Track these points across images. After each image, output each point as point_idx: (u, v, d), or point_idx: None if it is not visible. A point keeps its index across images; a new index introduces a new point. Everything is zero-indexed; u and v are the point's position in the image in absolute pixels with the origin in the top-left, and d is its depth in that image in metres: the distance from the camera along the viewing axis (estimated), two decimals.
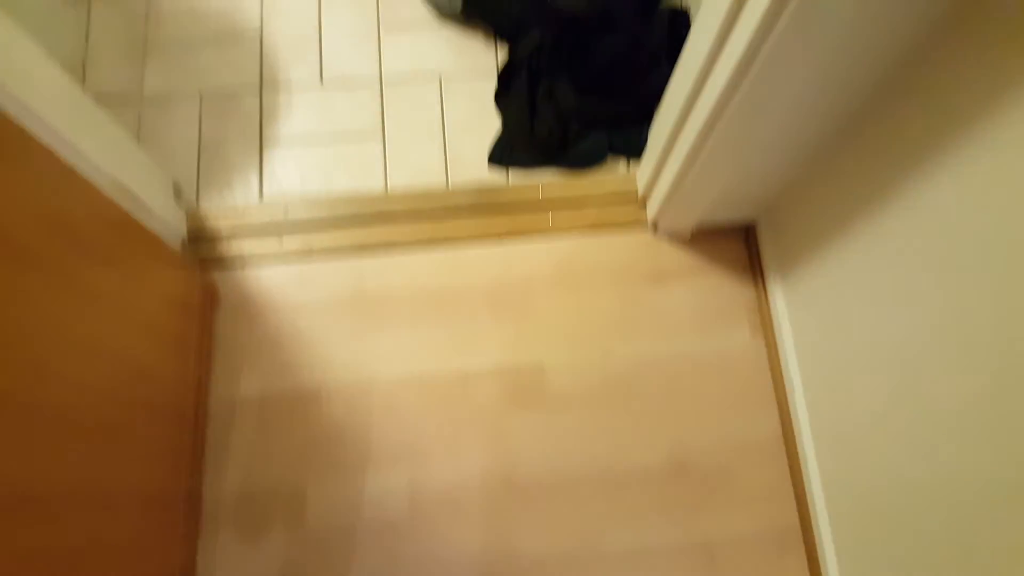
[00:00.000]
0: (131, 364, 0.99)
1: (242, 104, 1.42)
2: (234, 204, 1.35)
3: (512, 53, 1.41)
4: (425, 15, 1.48)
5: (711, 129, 0.98)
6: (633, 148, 1.39)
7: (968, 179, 0.74)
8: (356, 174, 1.39)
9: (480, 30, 1.47)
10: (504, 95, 1.42)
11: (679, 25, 1.32)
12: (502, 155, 1.41)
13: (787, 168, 1.13)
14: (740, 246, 1.37)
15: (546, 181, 1.40)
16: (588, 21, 1.29)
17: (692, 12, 1.31)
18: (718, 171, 1.10)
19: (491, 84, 1.44)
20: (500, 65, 1.45)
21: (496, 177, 1.40)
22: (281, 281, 1.31)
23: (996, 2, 0.68)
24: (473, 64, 1.46)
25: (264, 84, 1.43)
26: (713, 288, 1.36)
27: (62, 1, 1.45)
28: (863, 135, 0.93)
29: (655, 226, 1.37)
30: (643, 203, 1.38)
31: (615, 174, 1.41)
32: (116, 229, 0.99)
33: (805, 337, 1.21)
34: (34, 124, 0.89)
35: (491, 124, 1.42)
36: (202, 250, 1.31)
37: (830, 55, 0.81)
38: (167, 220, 1.23)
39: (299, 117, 1.42)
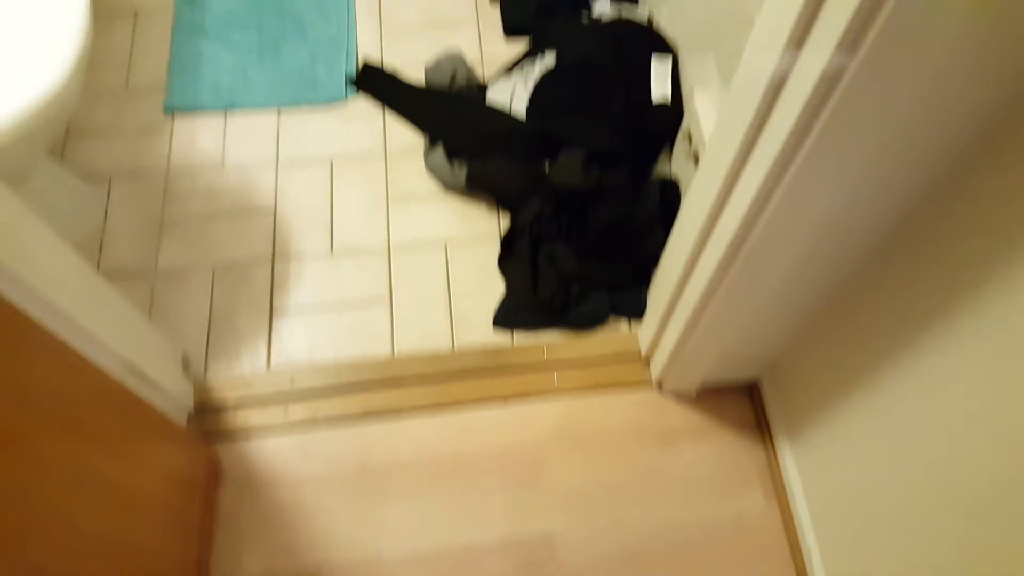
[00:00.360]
0: (131, 549, 0.96)
1: (254, 275, 1.48)
2: (241, 374, 1.36)
3: (514, 220, 1.48)
4: (431, 187, 1.57)
5: (709, 298, 1.02)
6: (634, 309, 1.43)
7: (974, 343, 0.76)
8: (363, 340, 1.42)
9: (483, 200, 1.56)
10: (507, 260, 1.48)
11: (669, 194, 1.40)
12: (507, 317, 1.44)
13: (786, 328, 1.16)
14: (746, 404, 1.38)
15: (550, 342, 1.42)
16: (584, 193, 1.37)
17: (681, 183, 1.39)
18: (719, 334, 1.12)
19: (494, 250, 1.50)
20: (503, 231, 1.52)
21: (501, 339, 1.43)
22: (286, 453, 1.30)
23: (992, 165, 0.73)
24: (477, 231, 1.53)
25: (276, 256, 1.50)
26: (722, 449, 1.35)
27: (83, 179, 1.54)
28: (861, 297, 0.96)
29: (660, 385, 1.38)
30: (647, 362, 1.40)
31: (618, 334, 1.44)
32: (125, 415, 1.00)
33: (818, 498, 1.18)
34: (44, 311, 0.92)
35: (495, 288, 1.47)
36: (207, 423, 1.31)
37: (821, 234, 0.85)
38: (175, 395, 1.24)
39: (309, 286, 1.47)
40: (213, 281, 1.47)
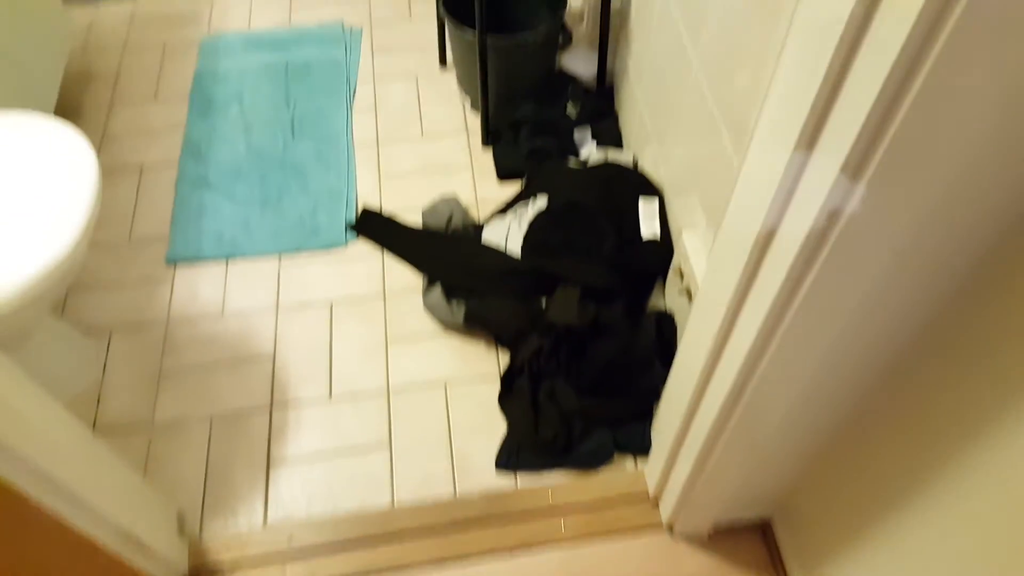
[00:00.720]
0: None
1: (251, 425, 1.47)
2: (237, 532, 1.33)
3: (513, 358, 1.50)
4: (430, 327, 1.60)
5: (716, 438, 1.01)
6: (638, 445, 1.42)
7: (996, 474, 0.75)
8: (363, 490, 1.39)
9: (482, 338, 1.57)
10: (507, 397, 1.48)
11: (665, 328, 1.42)
12: (509, 459, 1.43)
13: (796, 465, 1.14)
14: (759, 546, 1.34)
15: (556, 484, 1.40)
16: (581, 330, 1.39)
17: (676, 316, 1.42)
18: (729, 473, 1.11)
19: (494, 388, 1.51)
20: (502, 369, 1.53)
21: (504, 482, 1.41)
22: None
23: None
24: (476, 370, 1.54)
25: (274, 404, 1.49)
26: None
27: (83, 333, 1.56)
28: (870, 428, 0.95)
29: (671, 527, 1.34)
30: (655, 502, 1.37)
31: (624, 472, 1.41)
32: None
33: None
34: (37, 483, 0.90)
35: (497, 427, 1.46)
36: None
37: (823, 374, 0.86)
38: (170, 559, 1.20)
39: (307, 434, 1.46)
40: (210, 433, 1.46)
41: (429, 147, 1.93)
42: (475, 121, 1.96)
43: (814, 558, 1.19)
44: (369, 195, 1.83)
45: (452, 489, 1.40)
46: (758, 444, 1.02)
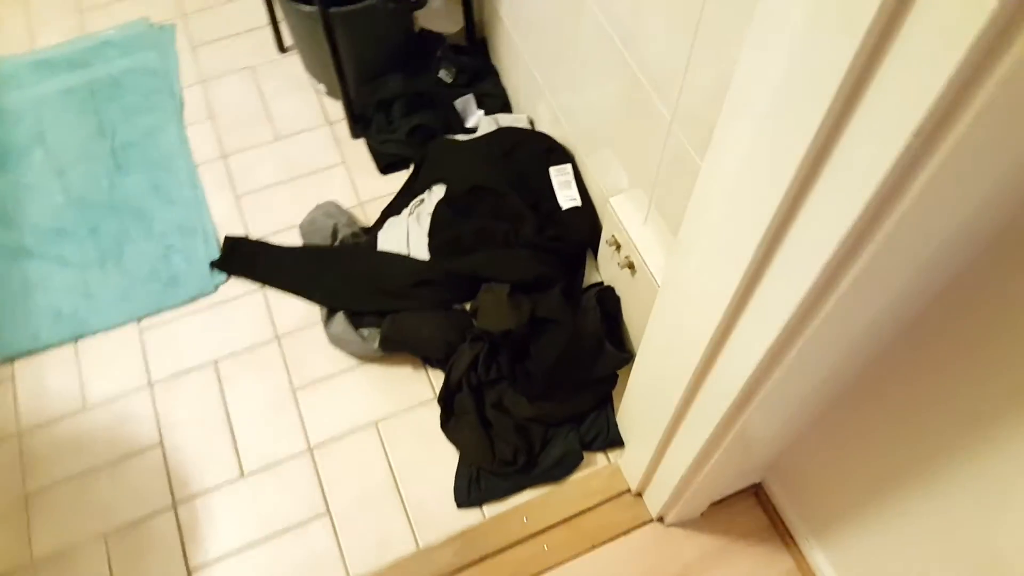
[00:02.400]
0: None
1: (156, 532, 1.29)
2: None
3: (447, 375, 1.38)
4: (341, 362, 1.45)
5: (720, 439, 0.94)
6: (606, 439, 1.35)
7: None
8: (310, 572, 1.25)
9: (405, 361, 1.45)
10: (451, 420, 1.37)
11: (609, 303, 1.34)
12: (470, 492, 1.32)
13: (798, 429, 1.09)
14: (756, 511, 1.31)
15: (527, 503, 1.31)
16: (519, 332, 1.28)
17: (617, 287, 1.33)
18: (732, 464, 1.05)
19: (433, 412, 1.39)
20: (437, 390, 1.41)
21: (470, 517, 1.31)
22: None
23: None
24: (407, 398, 1.42)
25: (176, 500, 1.32)
26: (747, 567, 1.26)
27: None
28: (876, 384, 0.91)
29: (661, 519, 1.28)
30: (638, 494, 1.30)
31: (597, 471, 1.35)
32: None
33: None
34: None
35: (446, 457, 1.36)
36: None
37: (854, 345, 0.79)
38: None
39: (226, 525, 1.30)
40: (108, 554, 1.28)
41: (287, 149, 1.74)
42: (336, 109, 1.78)
43: (821, 512, 1.16)
44: (229, 222, 1.63)
45: (414, 543, 1.29)
46: (766, 432, 0.95)
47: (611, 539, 1.29)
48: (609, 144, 1.25)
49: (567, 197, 1.38)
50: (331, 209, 1.57)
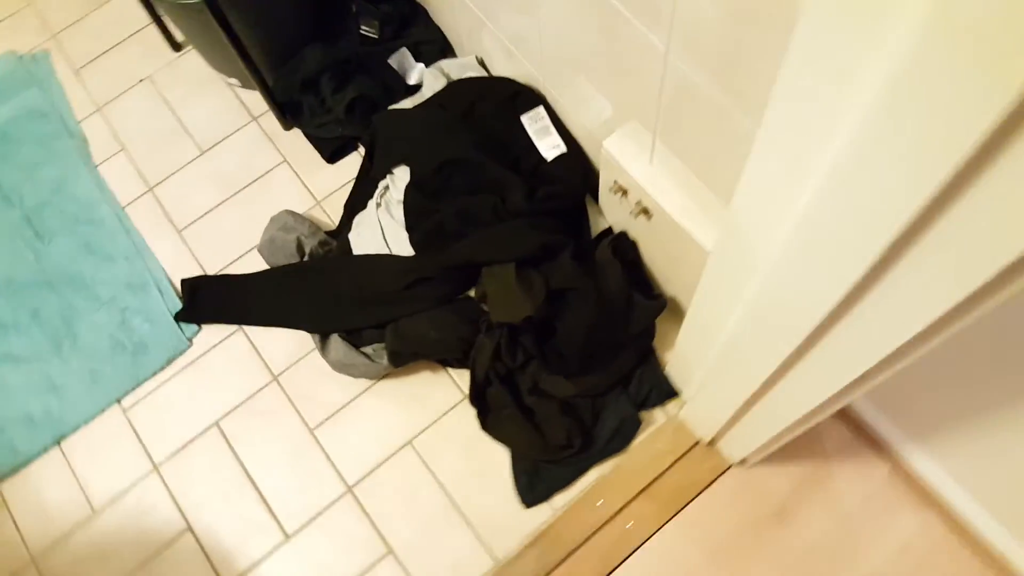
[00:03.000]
0: None
1: None
2: None
3: (472, 371, 1.26)
4: (352, 387, 1.35)
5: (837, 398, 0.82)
6: (660, 394, 1.26)
7: None
8: None
9: (421, 369, 1.33)
10: (489, 417, 1.26)
11: (625, 250, 1.22)
12: (532, 488, 1.24)
13: None
14: (838, 426, 1.24)
15: (595, 485, 1.23)
16: (539, 315, 1.15)
17: (631, 233, 1.20)
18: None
19: (468, 414, 1.28)
20: (466, 391, 1.30)
21: (541, 514, 1.23)
22: None
23: None
24: (434, 406, 1.32)
25: None
26: (845, 488, 1.21)
27: None
28: None
29: (744, 461, 1.21)
30: (712, 443, 1.22)
31: (660, 430, 1.26)
32: None
33: (986, 488, 1.05)
34: None
35: (496, 458, 1.26)
36: None
37: None
38: None
39: None
40: None
41: (217, 161, 1.56)
42: (257, 103, 1.58)
43: (913, 412, 1.09)
44: (179, 263, 1.47)
45: (490, 559, 1.21)
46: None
47: (695, 497, 1.22)
48: (582, 72, 1.07)
49: (550, 145, 1.22)
50: (288, 221, 1.41)
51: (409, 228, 1.25)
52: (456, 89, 1.31)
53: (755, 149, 0.57)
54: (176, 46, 1.67)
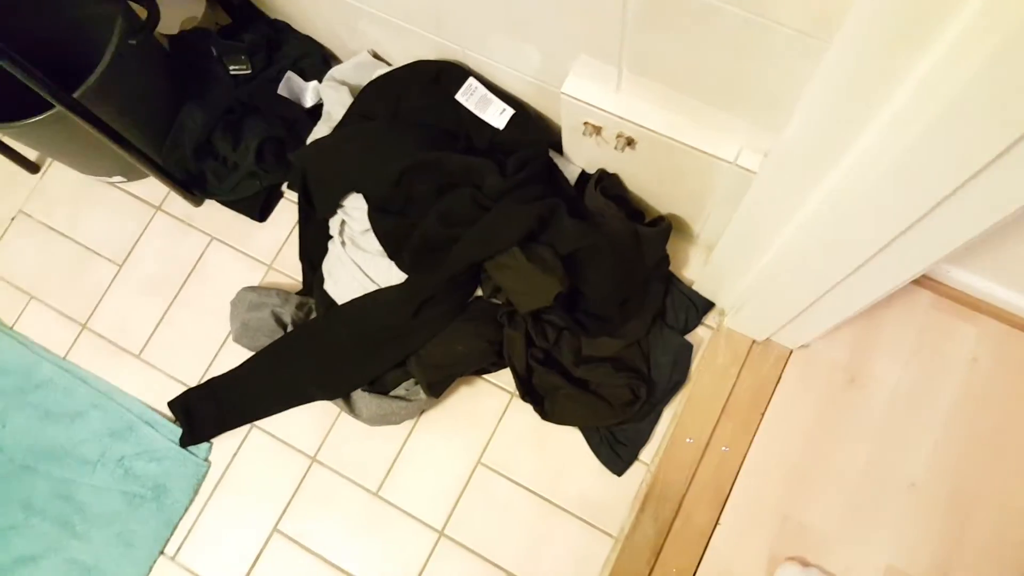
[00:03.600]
0: None
1: None
2: None
3: (512, 367, 1.22)
4: (396, 435, 1.30)
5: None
6: (698, 311, 1.25)
7: None
8: None
9: (461, 386, 1.28)
10: (545, 406, 1.22)
11: (611, 187, 1.17)
12: (617, 454, 1.22)
13: None
14: None
15: (676, 426, 1.23)
16: (567, 288, 1.10)
17: (611, 167, 1.15)
18: None
19: (523, 411, 1.24)
20: (507, 388, 1.25)
21: (635, 475, 1.22)
22: None
23: None
24: (486, 416, 1.29)
25: None
26: (897, 318, 1.21)
27: None
28: None
29: (806, 346, 1.21)
30: (767, 342, 1.21)
31: (712, 347, 1.25)
32: None
33: None
34: None
35: (568, 440, 1.23)
36: None
37: None
38: None
39: None
40: None
41: (139, 270, 1.42)
42: (152, 191, 1.44)
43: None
44: (154, 389, 1.35)
45: (608, 537, 1.20)
46: None
47: (772, 395, 1.21)
48: (508, 20, 0.98)
49: (496, 112, 1.14)
50: (252, 298, 1.30)
51: (392, 254, 1.17)
52: (372, 94, 1.20)
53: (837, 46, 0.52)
54: (32, 167, 1.48)
